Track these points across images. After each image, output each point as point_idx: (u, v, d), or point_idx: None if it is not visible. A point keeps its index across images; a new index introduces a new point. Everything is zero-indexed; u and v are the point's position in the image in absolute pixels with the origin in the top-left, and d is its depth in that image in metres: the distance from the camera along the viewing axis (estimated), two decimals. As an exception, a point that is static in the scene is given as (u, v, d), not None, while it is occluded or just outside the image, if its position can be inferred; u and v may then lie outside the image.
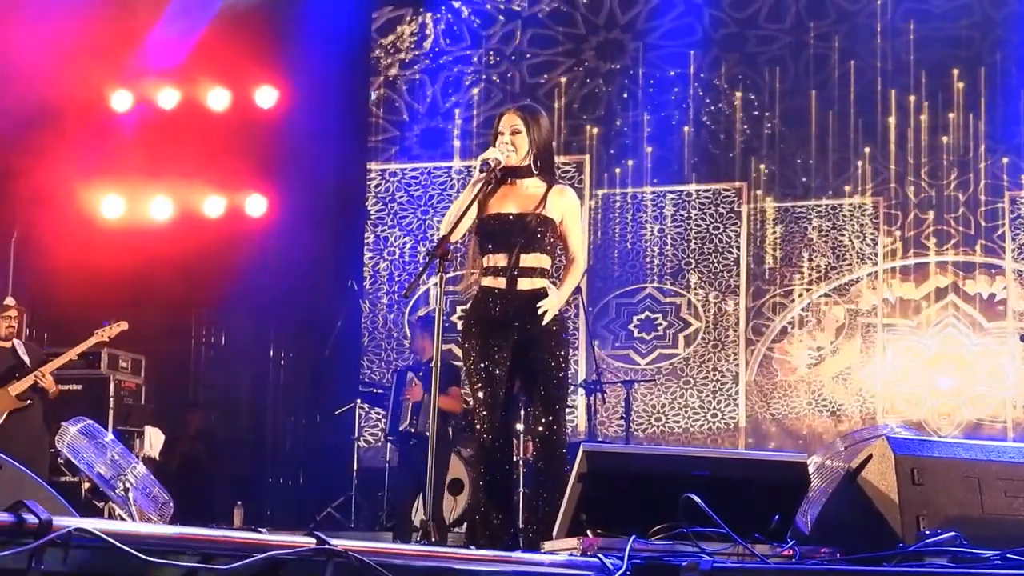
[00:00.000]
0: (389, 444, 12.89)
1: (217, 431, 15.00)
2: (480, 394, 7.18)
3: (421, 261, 13.90)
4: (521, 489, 10.59)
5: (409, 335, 13.83)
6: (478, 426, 7.23)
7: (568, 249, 7.34)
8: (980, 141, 13.56)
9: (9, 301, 11.68)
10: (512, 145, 7.22)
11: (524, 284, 7.16)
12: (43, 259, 14.28)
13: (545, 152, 7.35)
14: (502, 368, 7.18)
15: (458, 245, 7.32)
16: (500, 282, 7.18)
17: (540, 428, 7.17)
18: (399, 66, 15.27)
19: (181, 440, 14.28)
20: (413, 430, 11.86)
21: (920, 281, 13.57)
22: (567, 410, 7.96)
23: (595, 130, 14.64)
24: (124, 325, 11.81)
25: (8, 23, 12.74)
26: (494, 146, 7.24)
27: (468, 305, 7.39)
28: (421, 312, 14.48)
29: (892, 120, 13.81)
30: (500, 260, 7.20)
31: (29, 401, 11.25)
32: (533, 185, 7.27)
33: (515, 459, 11.56)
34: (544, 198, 7.22)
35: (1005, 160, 13.49)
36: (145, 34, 14.42)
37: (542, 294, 7.13)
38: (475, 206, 7.13)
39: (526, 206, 7.21)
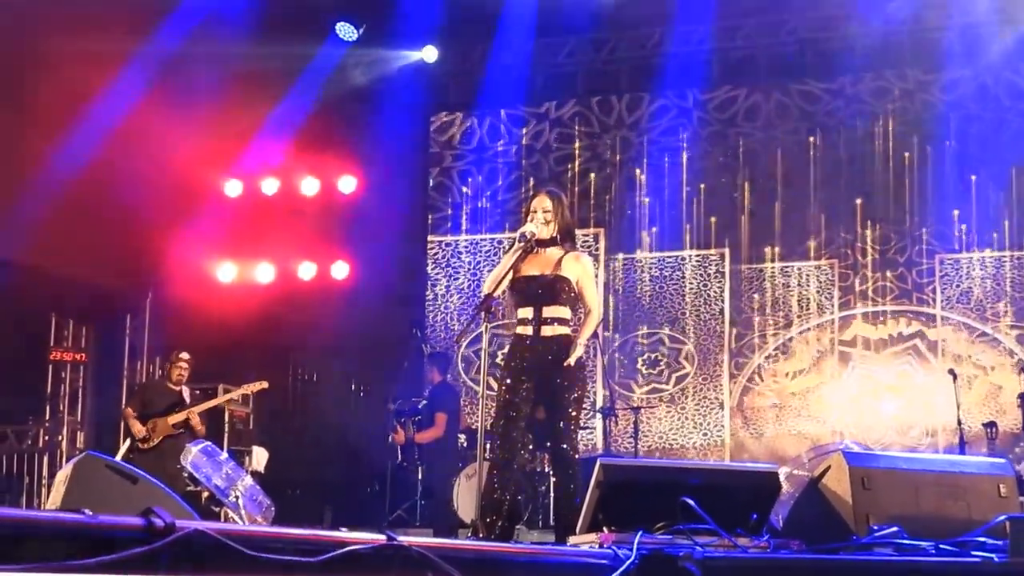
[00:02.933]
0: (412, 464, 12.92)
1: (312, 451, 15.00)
2: (503, 420, 7.18)
3: (470, 314, 13.95)
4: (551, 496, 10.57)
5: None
6: (498, 443, 7.24)
7: (585, 304, 7.38)
8: (915, 214, 13.52)
9: (184, 355, 11.94)
10: (544, 221, 7.28)
11: (547, 331, 7.19)
12: (172, 313, 14.37)
13: (568, 227, 7.43)
14: (526, 400, 7.19)
15: (500, 301, 7.37)
16: (528, 330, 7.23)
17: (557, 448, 7.18)
18: (452, 158, 15.31)
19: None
20: (406, 464, 12.57)
21: (869, 326, 13.51)
22: (587, 431, 7.91)
23: (608, 208, 14.63)
24: (265, 384, 12.25)
25: (148, 130, 12.87)
26: (529, 222, 7.30)
27: (507, 348, 7.43)
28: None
29: (843, 198, 13.78)
30: (527, 312, 7.26)
31: (182, 431, 11.66)
32: (554, 253, 7.32)
33: (538, 471, 11.60)
34: (560, 262, 7.27)
35: (932, 229, 13.44)
36: (250, 137, 14.57)
37: (563, 339, 7.17)
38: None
39: (545, 268, 7.27)
